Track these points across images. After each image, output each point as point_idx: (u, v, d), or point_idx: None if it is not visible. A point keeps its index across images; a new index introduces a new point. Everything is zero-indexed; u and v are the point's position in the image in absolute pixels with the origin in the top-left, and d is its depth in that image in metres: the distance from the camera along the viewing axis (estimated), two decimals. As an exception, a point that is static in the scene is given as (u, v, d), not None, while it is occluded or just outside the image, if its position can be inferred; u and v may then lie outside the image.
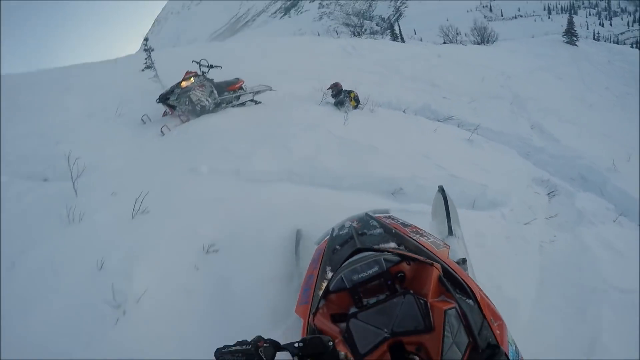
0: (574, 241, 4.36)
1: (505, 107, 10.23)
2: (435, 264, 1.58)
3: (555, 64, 18.67)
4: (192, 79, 7.05)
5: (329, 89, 8.21)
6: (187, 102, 6.91)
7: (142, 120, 6.93)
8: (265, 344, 1.25)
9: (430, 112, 9.02)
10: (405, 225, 2.14)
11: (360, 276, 1.58)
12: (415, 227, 2.14)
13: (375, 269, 1.59)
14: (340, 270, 1.64)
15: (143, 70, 8.82)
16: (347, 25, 30.54)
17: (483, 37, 29.63)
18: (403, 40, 27.25)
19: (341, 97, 7.91)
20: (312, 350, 1.22)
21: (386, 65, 13.10)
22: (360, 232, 2.07)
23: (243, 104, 7.94)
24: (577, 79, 16.63)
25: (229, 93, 7.72)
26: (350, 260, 1.69)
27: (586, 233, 4.48)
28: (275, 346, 1.27)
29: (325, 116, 6.91)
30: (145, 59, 8.82)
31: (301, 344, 1.24)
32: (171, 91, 6.88)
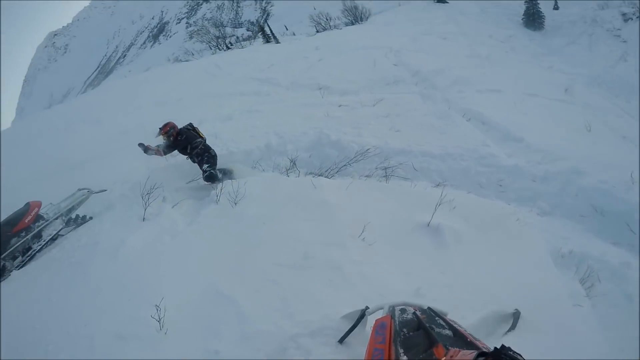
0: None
1: (414, 93, 8.32)
2: None
3: (434, 25, 17.96)
4: None
5: (160, 134, 5.59)
6: None
7: None
8: None
9: (330, 149, 6.22)
10: (474, 337, 1.95)
11: None
12: (483, 342, 1.93)
13: None
14: None
15: None
16: (209, 41, 27.72)
17: (356, 16, 28.43)
18: (277, 40, 25.09)
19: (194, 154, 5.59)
20: None
21: (258, 77, 10.74)
22: (429, 326, 1.99)
23: (54, 238, 5.38)
24: (460, 35, 16.28)
25: (18, 237, 5.09)
26: None
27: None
28: None
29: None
30: None
31: None
32: None
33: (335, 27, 27.80)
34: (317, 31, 27.63)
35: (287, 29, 39.77)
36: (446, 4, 23.85)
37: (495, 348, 1.47)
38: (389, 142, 6.17)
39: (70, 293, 3.90)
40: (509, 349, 1.39)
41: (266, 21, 42.92)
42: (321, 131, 6.51)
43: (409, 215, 4.22)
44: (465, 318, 2.67)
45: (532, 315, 3.14)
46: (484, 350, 1.83)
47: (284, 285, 3.33)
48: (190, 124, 5.84)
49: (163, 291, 3.37)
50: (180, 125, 5.70)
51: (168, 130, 5.54)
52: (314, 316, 2.96)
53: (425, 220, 4.06)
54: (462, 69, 10.09)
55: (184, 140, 5.54)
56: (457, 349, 1.71)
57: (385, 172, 5.46)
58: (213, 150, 5.75)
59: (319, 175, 5.43)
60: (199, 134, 5.79)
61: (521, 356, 1.38)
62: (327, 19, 30.57)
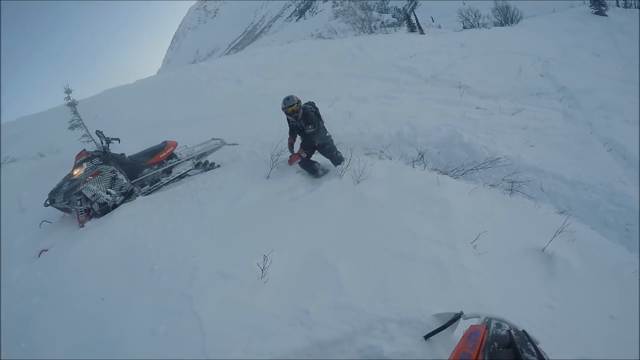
0: None
1: (557, 110, 7.76)
2: None
3: (589, 39, 16.07)
4: (84, 164, 5.09)
5: (288, 109, 5.16)
6: (79, 202, 5.01)
7: (40, 227, 5.17)
8: None
9: (460, 150, 6.09)
10: None
11: None
12: None
13: None
14: None
15: (71, 128, 6.92)
16: (354, 22, 28.12)
17: (506, 17, 26.79)
18: (421, 31, 24.66)
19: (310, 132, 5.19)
20: None
21: (399, 65, 10.83)
22: (519, 347, 1.96)
23: (182, 176, 5.91)
24: (616, 55, 14.27)
25: (150, 168, 5.70)
26: None
27: None
28: None
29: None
30: (72, 114, 6.89)
31: None
32: (59, 187, 5.01)
33: (483, 25, 26.52)
34: (464, 27, 26.60)
35: (433, 21, 38.72)
36: (604, 17, 21.35)
37: None
38: (522, 155, 5.88)
39: (186, 225, 4.33)
40: None
41: (413, 10, 42.15)
42: (454, 130, 6.37)
43: (526, 235, 4.04)
44: (553, 355, 2.60)
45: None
46: None
47: (387, 270, 3.37)
48: (312, 103, 5.47)
49: (272, 245, 3.59)
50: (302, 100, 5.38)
51: (297, 106, 5.13)
52: (407, 306, 2.96)
53: (541, 245, 3.88)
54: (613, 93, 9.07)
55: (313, 120, 5.18)
56: None
57: (511, 186, 5.26)
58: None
59: (444, 174, 5.38)
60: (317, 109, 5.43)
61: None
62: (476, 16, 29.20)
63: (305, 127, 5.14)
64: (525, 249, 3.91)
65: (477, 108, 7.65)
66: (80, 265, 4.07)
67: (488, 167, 5.55)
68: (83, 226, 4.90)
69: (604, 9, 22.44)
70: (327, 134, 5.42)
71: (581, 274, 3.79)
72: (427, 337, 2.80)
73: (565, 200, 5.34)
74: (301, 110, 5.19)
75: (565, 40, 15.33)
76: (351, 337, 2.92)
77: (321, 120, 5.37)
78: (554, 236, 3.86)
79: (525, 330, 2.29)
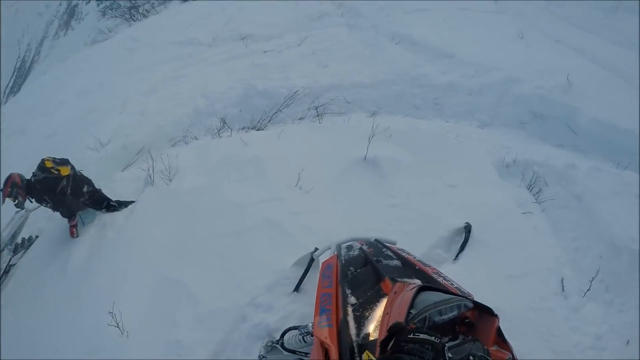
0: None
1: (340, 25, 8.14)
2: (497, 314, 1.55)
3: None
4: None
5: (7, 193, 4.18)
6: None
7: None
8: None
9: (259, 99, 5.94)
10: (424, 263, 2.02)
11: (441, 318, 1.44)
12: (433, 268, 2.01)
13: (455, 312, 1.48)
14: (426, 310, 1.45)
15: None
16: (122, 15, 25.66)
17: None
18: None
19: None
20: None
21: (178, 41, 10.04)
22: (375, 259, 1.97)
23: (7, 271, 4.92)
24: None
25: None
26: (438, 301, 1.49)
27: None
28: None
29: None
30: None
31: None
32: None
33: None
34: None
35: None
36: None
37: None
38: (318, 79, 5.99)
39: (34, 325, 3.78)
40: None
41: (179, -21, 40.01)
42: (247, 82, 6.22)
43: (344, 152, 4.16)
44: (416, 246, 2.68)
45: (483, 233, 3.21)
46: (432, 275, 1.89)
47: (227, 255, 3.30)
48: (46, 160, 4.30)
49: (117, 293, 3.32)
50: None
51: (10, 190, 4.13)
52: (261, 281, 2.96)
53: (361, 154, 4.00)
54: None
55: (43, 191, 4.25)
56: (403, 282, 1.70)
57: (317, 111, 5.31)
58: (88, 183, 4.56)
59: (251, 129, 5.27)
60: (60, 170, 4.30)
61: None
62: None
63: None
64: (348, 166, 4.05)
65: (265, 52, 7.54)
66: None
67: (290, 104, 5.62)
68: None
69: None
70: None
71: (408, 162, 4.04)
72: (297, 288, 2.83)
73: (372, 102, 5.62)
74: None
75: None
76: (229, 337, 2.86)
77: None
78: (369, 142, 3.98)
79: (377, 238, 2.33)
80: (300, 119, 5.38)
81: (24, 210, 5.13)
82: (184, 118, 6.00)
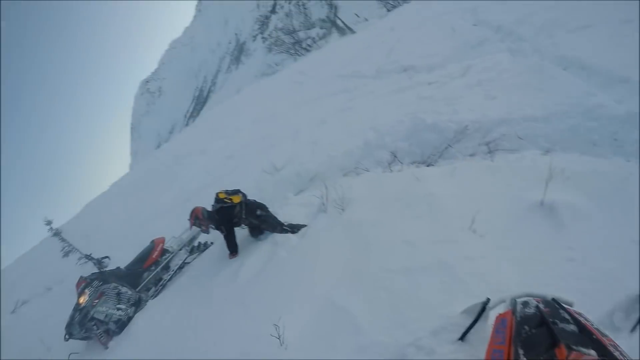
0: None
1: (502, 51, 7.67)
2: None
3: None
4: (85, 290, 5.09)
5: (192, 224, 5.15)
6: (95, 327, 4.96)
7: None
8: None
9: (428, 134, 5.81)
10: (601, 332, 1.84)
11: None
12: (611, 338, 1.83)
13: None
14: None
15: (65, 255, 6.89)
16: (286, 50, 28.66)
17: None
18: (351, 30, 25.09)
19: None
20: None
21: (343, 74, 10.86)
22: (552, 321, 1.86)
23: (182, 267, 5.93)
24: None
25: (149, 271, 5.84)
26: None
27: None
28: None
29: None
30: (61, 242, 6.87)
31: None
32: (72, 320, 4.96)
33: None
34: (388, 10, 27.04)
35: (358, 16, 39.45)
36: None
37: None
38: (486, 113, 5.71)
39: (199, 316, 4.27)
40: None
41: (336, 15, 43.00)
42: (415, 116, 6.25)
43: (519, 195, 3.88)
44: (591, 310, 2.43)
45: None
46: (609, 347, 1.74)
47: (395, 292, 3.26)
48: (220, 193, 5.07)
49: (282, 307, 3.53)
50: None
51: (194, 221, 5.07)
52: (427, 324, 2.87)
53: (537, 198, 3.69)
54: (549, 9, 8.67)
55: (221, 221, 4.97)
56: (579, 352, 1.63)
57: (488, 148, 5.10)
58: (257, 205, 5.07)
59: (422, 164, 5.29)
60: (232, 200, 4.98)
61: None
62: (393, -6, 29.74)
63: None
64: (523, 211, 3.72)
65: (429, 84, 7.60)
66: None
67: (460, 140, 5.43)
68: (107, 347, 4.91)
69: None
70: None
71: (589, 209, 3.59)
72: (462, 337, 2.70)
73: (546, 138, 5.16)
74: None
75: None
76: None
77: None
78: (546, 185, 3.69)
79: (554, 296, 2.19)
80: (471, 155, 5.19)
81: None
82: (354, 150, 6.34)
